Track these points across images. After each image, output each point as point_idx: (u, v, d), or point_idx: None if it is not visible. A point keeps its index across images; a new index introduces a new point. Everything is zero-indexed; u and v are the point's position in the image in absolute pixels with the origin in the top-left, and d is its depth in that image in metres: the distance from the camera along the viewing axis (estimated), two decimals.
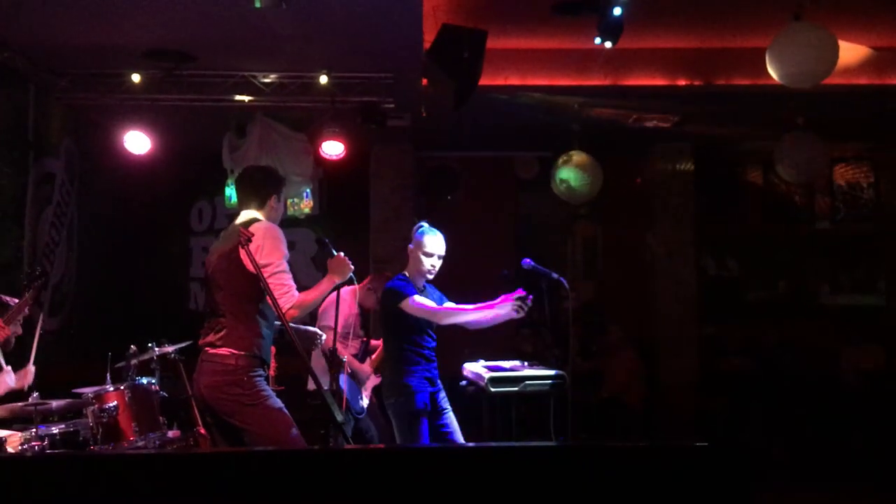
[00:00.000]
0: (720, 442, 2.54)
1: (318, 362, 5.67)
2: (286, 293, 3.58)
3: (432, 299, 4.51)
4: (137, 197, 7.93)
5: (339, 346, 5.48)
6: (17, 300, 4.37)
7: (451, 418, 4.46)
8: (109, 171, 7.34)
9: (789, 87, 5.42)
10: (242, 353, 3.61)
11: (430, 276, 4.52)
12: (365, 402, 5.66)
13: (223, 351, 3.62)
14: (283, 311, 3.53)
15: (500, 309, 4.25)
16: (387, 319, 4.49)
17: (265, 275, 3.54)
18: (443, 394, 4.48)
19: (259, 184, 3.97)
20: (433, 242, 4.50)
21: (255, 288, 3.57)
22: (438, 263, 4.51)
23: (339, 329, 5.54)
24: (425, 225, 4.60)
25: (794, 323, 8.59)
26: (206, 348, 3.69)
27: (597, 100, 7.04)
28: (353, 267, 3.81)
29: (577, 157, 7.71)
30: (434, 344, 4.52)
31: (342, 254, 3.82)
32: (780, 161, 7.49)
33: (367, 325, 5.96)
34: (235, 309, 3.66)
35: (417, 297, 4.36)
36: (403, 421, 4.33)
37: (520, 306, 4.22)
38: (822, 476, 6.72)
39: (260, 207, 3.86)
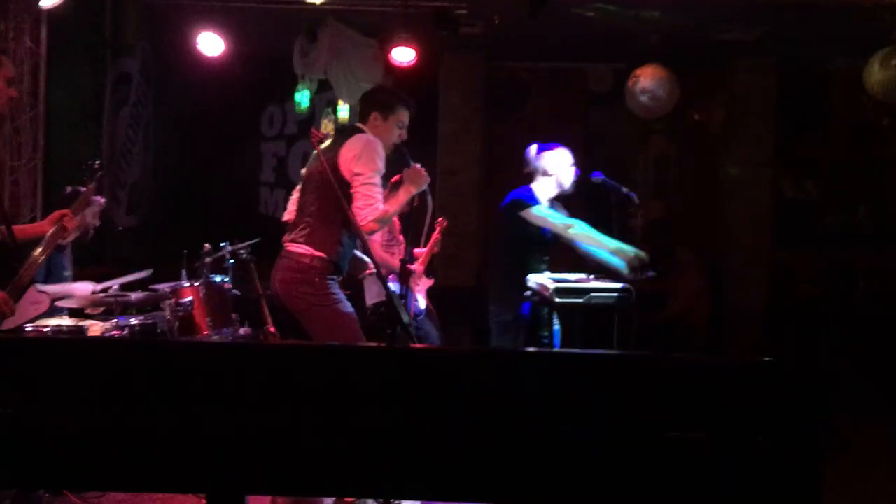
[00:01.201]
0: (791, 361, 2.49)
1: (370, 282, 5.75)
2: (371, 205, 3.63)
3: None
4: (210, 100, 8.01)
5: (386, 255, 5.56)
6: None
7: (554, 332, 4.48)
8: (183, 72, 7.41)
9: None
10: (319, 254, 3.68)
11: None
12: (422, 304, 5.72)
13: (301, 249, 3.70)
14: (366, 221, 3.61)
15: (621, 253, 4.23)
16: (504, 229, 4.54)
17: (356, 184, 3.63)
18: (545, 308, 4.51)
19: (365, 99, 4.05)
20: (566, 160, 4.50)
21: (344, 195, 3.61)
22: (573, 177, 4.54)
23: (382, 241, 5.62)
24: (542, 148, 4.59)
25: (874, 250, 8.28)
26: (287, 245, 3.78)
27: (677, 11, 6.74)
28: (429, 178, 3.85)
29: (654, 69, 7.43)
30: (543, 264, 4.56)
31: (419, 165, 3.85)
32: (869, 79, 7.10)
33: (407, 230, 5.96)
34: (322, 212, 3.72)
35: (540, 207, 4.42)
36: (501, 330, 4.43)
37: (637, 267, 4.17)
38: (889, 407, 6.59)
39: (363, 122, 3.91)
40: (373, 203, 3.63)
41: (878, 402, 6.72)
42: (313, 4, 6.43)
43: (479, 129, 8.40)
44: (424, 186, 3.85)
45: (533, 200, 4.45)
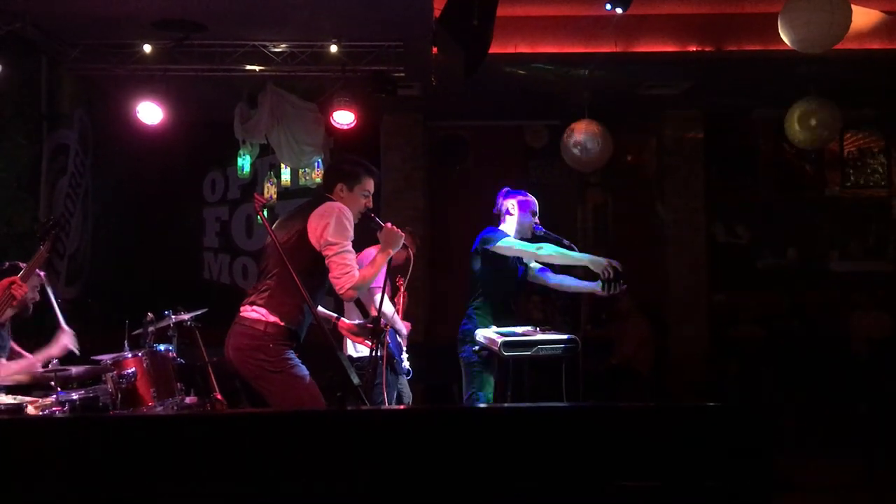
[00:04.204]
0: (735, 403, 2.59)
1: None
2: (347, 273, 3.59)
3: None
4: (151, 167, 7.98)
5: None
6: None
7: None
8: (122, 141, 7.39)
9: (801, 52, 5.39)
10: (275, 320, 3.61)
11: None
12: (408, 364, 5.76)
13: (256, 314, 3.62)
14: (344, 289, 3.59)
15: (592, 264, 4.24)
16: (475, 269, 4.58)
17: (330, 253, 3.60)
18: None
19: (329, 170, 4.08)
20: (527, 206, 4.60)
21: (310, 265, 3.59)
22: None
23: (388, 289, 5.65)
24: (509, 193, 4.68)
25: (804, 290, 8.61)
26: (242, 309, 3.70)
27: (607, 67, 7.02)
28: (402, 234, 3.83)
29: (588, 124, 7.69)
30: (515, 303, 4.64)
31: (390, 224, 3.83)
32: (790, 128, 7.47)
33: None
34: (284, 277, 3.62)
35: (507, 238, 4.47)
36: (466, 369, 4.47)
37: (609, 279, 4.17)
38: (830, 441, 6.78)
39: (329, 192, 3.85)
40: (349, 271, 3.59)
41: (820, 435, 6.92)
42: (253, 71, 6.51)
43: (420, 185, 8.53)
44: (401, 244, 3.82)
45: (499, 235, 4.53)
